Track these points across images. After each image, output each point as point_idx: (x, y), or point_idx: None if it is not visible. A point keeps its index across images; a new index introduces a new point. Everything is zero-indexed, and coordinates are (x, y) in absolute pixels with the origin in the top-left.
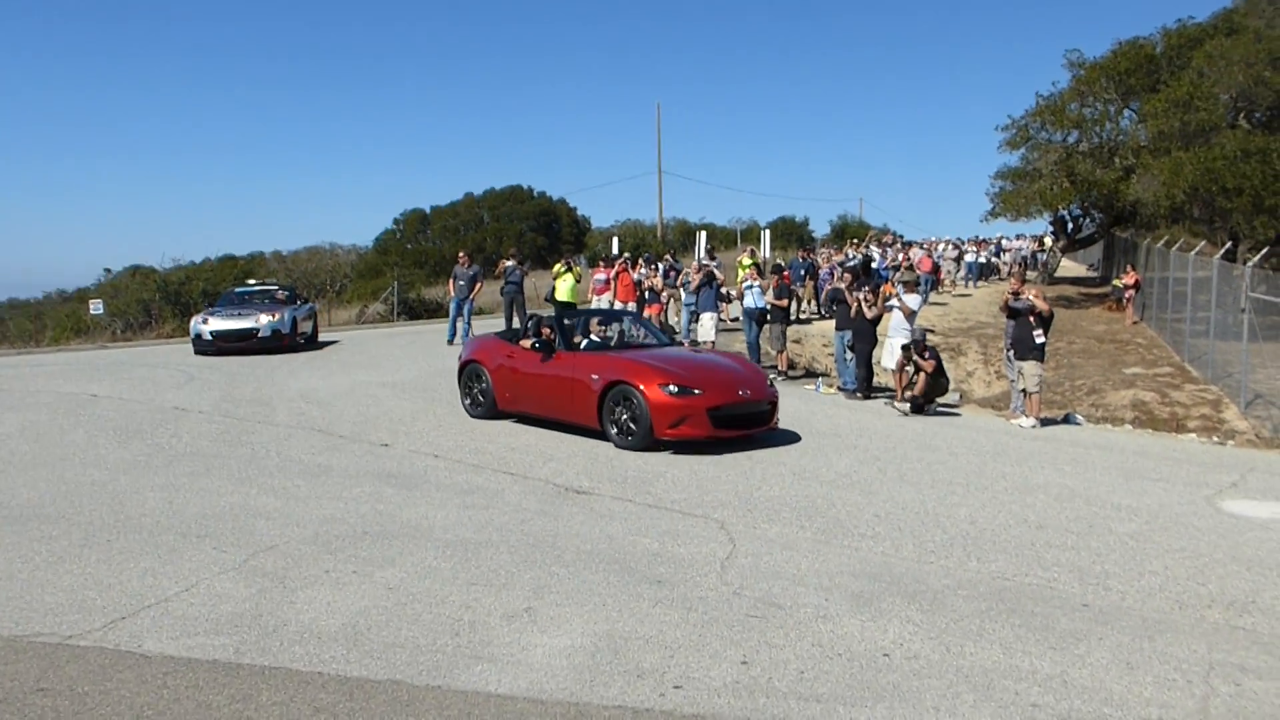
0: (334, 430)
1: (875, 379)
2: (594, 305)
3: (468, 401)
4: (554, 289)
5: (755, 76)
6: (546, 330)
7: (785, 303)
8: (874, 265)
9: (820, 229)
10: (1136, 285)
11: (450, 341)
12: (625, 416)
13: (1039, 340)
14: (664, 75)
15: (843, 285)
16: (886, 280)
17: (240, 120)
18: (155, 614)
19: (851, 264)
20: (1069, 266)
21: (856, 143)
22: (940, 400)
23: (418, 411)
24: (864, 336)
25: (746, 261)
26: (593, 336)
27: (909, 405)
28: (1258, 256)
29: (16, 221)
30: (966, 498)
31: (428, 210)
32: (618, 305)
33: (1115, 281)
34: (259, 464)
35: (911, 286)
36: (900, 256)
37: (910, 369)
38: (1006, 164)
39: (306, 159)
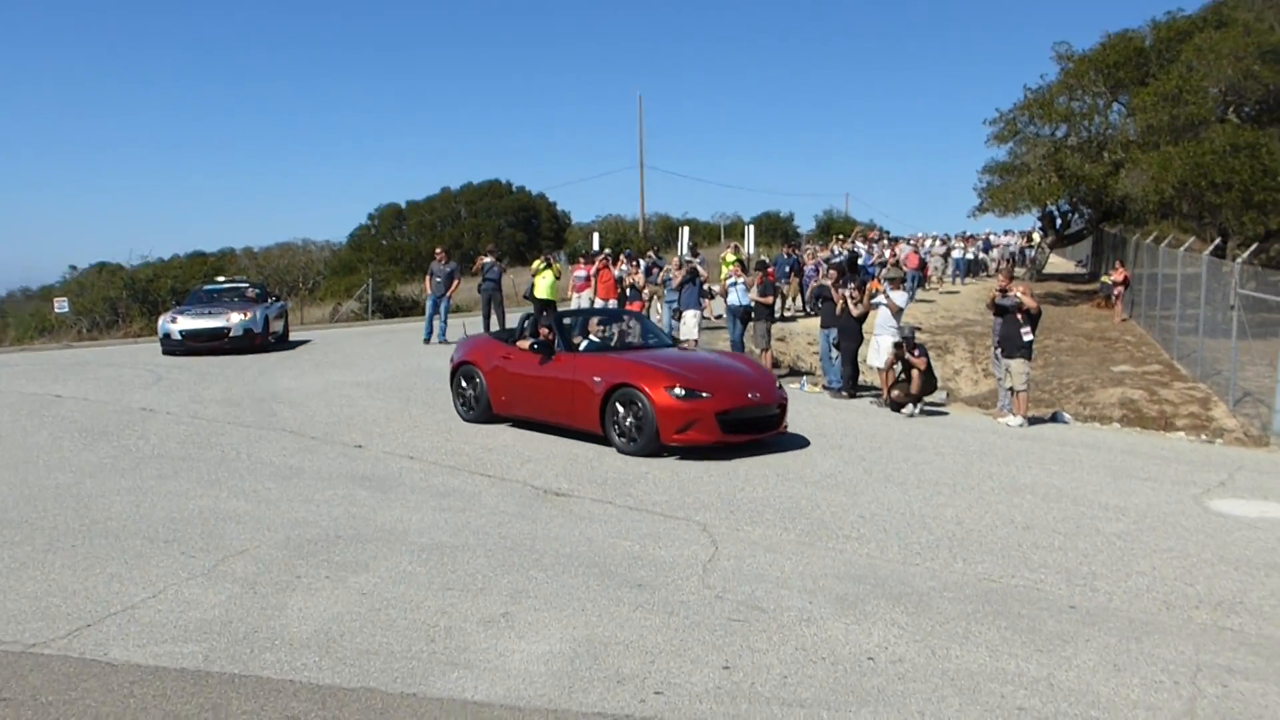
0: (306, 431)
1: (861, 377)
2: (574, 302)
3: (460, 405)
4: (533, 286)
5: (740, 69)
6: (545, 330)
7: (770, 300)
8: (860, 262)
9: (806, 224)
10: (1125, 282)
11: (426, 340)
12: (629, 421)
13: (1026, 338)
14: (646, 67)
15: (828, 282)
16: (873, 277)
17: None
18: (121, 621)
19: (837, 260)
20: (1057, 263)
21: (843, 137)
22: (927, 399)
23: (392, 412)
24: (849, 334)
25: (730, 258)
26: (592, 337)
27: (892, 405)
28: (1247, 253)
29: None
30: (953, 498)
31: (403, 205)
32: (598, 303)
33: (1104, 278)
34: (229, 466)
35: (897, 283)
36: (887, 253)
37: (898, 367)
38: (994, 158)
39: (279, 152)
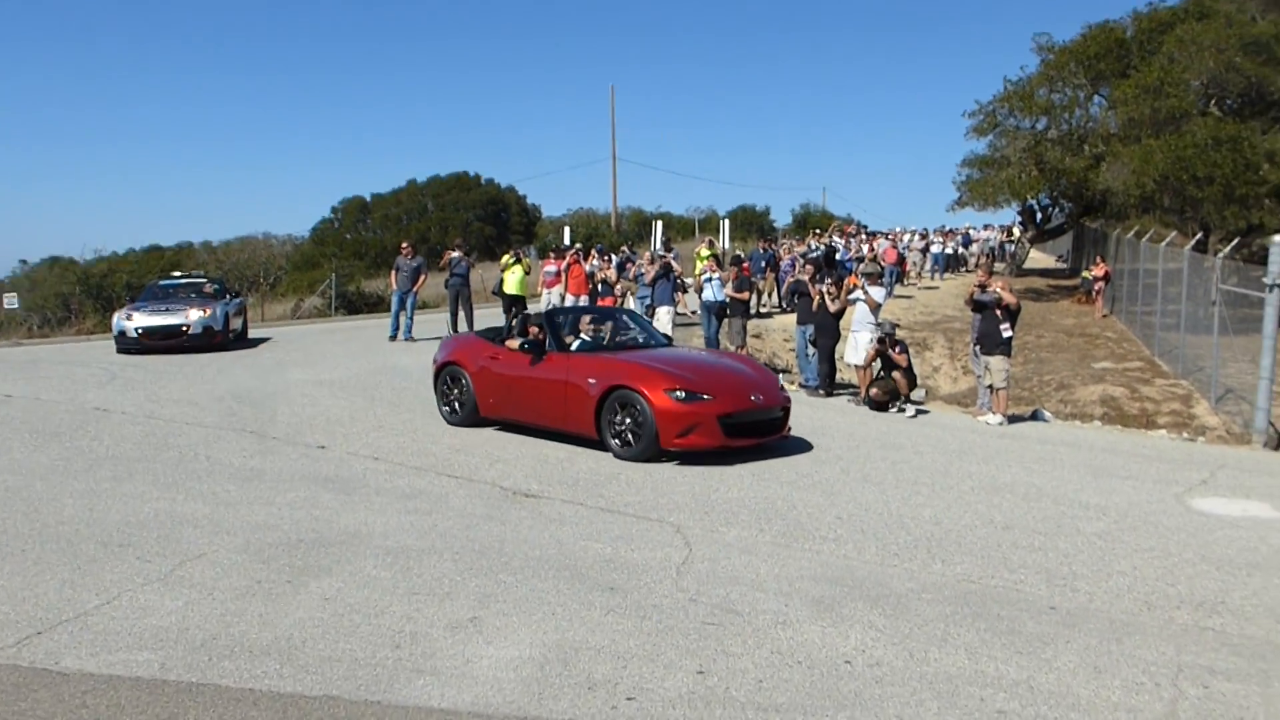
0: (267, 432)
1: (838, 375)
2: (543, 299)
3: (445, 408)
4: (502, 281)
5: (715, 59)
6: (535, 329)
7: (745, 296)
8: (837, 257)
9: (782, 219)
10: (1106, 277)
11: (392, 337)
12: (627, 425)
13: (1006, 334)
14: (618, 57)
15: (805, 277)
16: (850, 272)
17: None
18: (73, 629)
19: (814, 255)
20: (1037, 258)
21: (820, 129)
22: (905, 397)
23: (357, 412)
24: (827, 331)
25: (705, 252)
26: (584, 336)
27: (871, 404)
28: (1228, 247)
29: None
30: (931, 498)
31: (368, 198)
32: (569, 299)
33: (1085, 273)
34: (186, 468)
35: (875, 279)
36: (865, 248)
37: (877, 364)
38: (974, 152)
39: (239, 143)
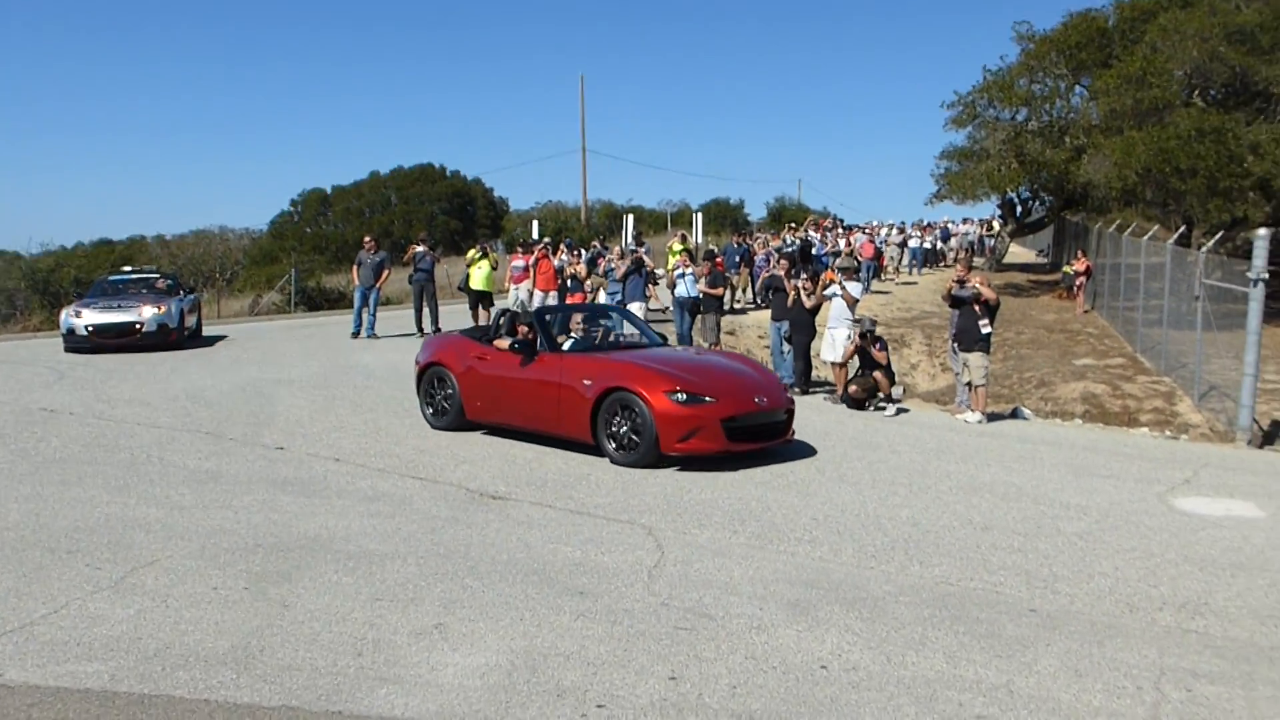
0: (223, 433)
1: (814, 373)
2: (511, 295)
3: (429, 411)
4: (468, 277)
5: (686, 49)
6: (524, 328)
7: (719, 291)
8: (813, 251)
9: (756, 212)
10: (1088, 272)
11: (355, 335)
12: (625, 429)
13: (985, 330)
14: (587, 46)
15: (780, 273)
16: (827, 267)
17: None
18: (19, 639)
19: (789, 250)
20: (1018, 252)
21: (795, 120)
22: (881, 395)
23: (317, 411)
24: (802, 327)
25: (677, 247)
26: (573, 335)
27: (849, 401)
28: (1212, 241)
29: None
30: (909, 498)
31: (329, 190)
32: (537, 295)
33: (1066, 268)
34: (138, 471)
35: (851, 274)
36: (841, 242)
37: (856, 361)
38: (953, 143)
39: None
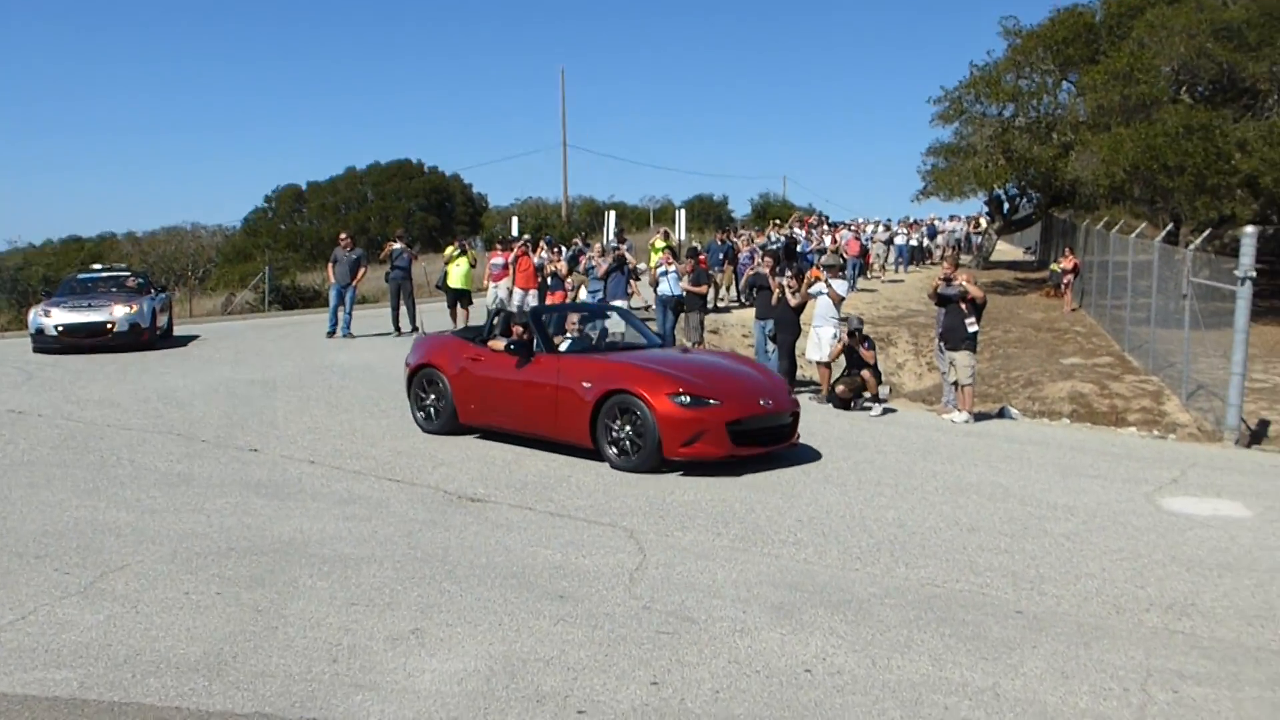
0: (195, 434)
1: (799, 372)
2: (490, 293)
3: (420, 415)
4: (446, 274)
5: (669, 43)
6: (519, 329)
7: (703, 289)
8: (798, 248)
9: (740, 209)
10: (1075, 270)
11: (330, 334)
12: (626, 432)
13: (972, 329)
14: (569, 39)
15: (764, 270)
16: (812, 265)
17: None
18: None
19: (774, 247)
20: (1005, 250)
21: (780, 116)
22: (867, 394)
23: (291, 412)
24: (787, 326)
25: (660, 244)
26: (569, 335)
27: (836, 401)
28: (1200, 239)
29: None
30: (895, 499)
31: (304, 187)
32: (516, 293)
33: (1053, 266)
34: (109, 473)
35: (837, 271)
36: (826, 239)
37: (842, 360)
38: (939, 140)
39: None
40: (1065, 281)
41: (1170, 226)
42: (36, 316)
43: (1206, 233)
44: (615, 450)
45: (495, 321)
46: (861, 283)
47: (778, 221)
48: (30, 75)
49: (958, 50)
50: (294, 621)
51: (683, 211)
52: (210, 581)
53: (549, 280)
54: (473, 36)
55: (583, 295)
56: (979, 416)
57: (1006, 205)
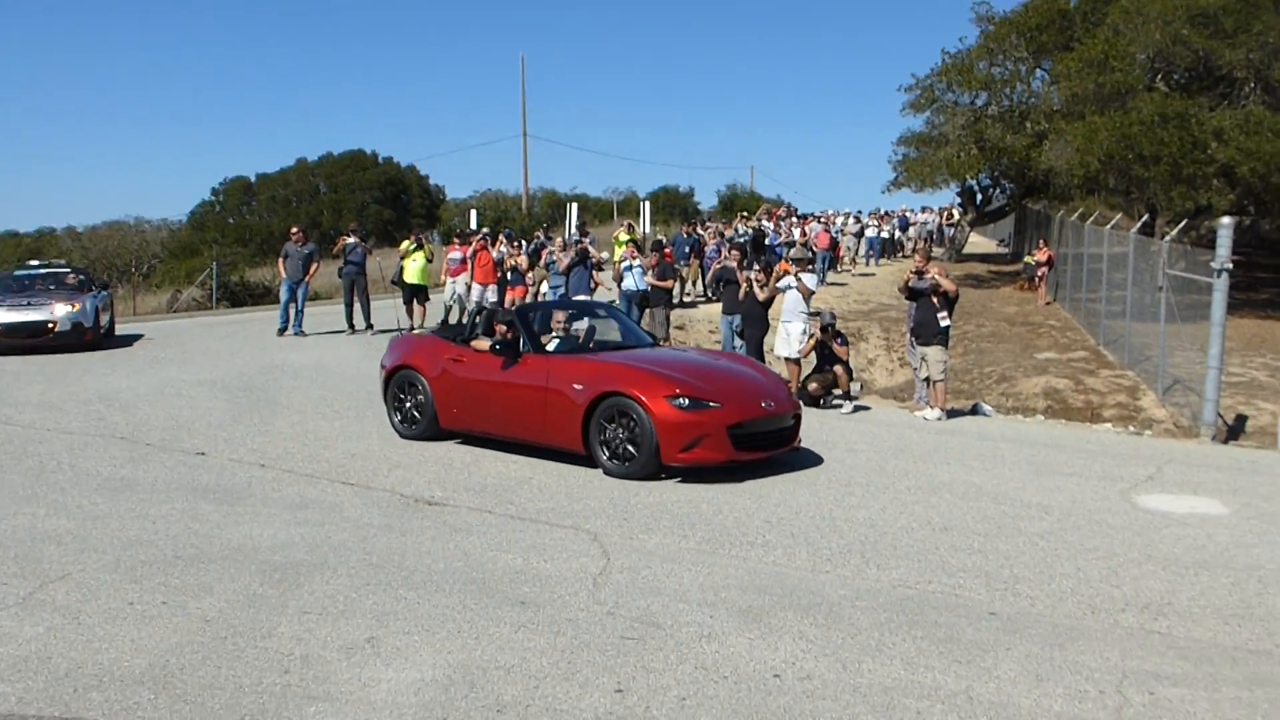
0: (140, 437)
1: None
2: (448, 288)
3: (398, 419)
4: (402, 270)
5: (633, 29)
6: (503, 327)
7: (668, 283)
8: (766, 241)
9: (707, 200)
10: (1049, 262)
11: (281, 331)
12: (621, 437)
13: (944, 323)
14: (529, 26)
15: (731, 264)
16: (780, 258)
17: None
18: None
19: (741, 240)
20: (978, 242)
21: (747, 105)
22: (837, 391)
23: (241, 414)
24: (755, 321)
25: (624, 237)
26: (555, 334)
27: (807, 398)
28: (1176, 230)
29: None
30: (866, 499)
31: (253, 179)
32: (475, 288)
33: (1027, 258)
34: (48, 479)
35: (806, 265)
36: (795, 232)
37: (813, 357)
38: (910, 129)
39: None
40: (1039, 274)
41: (1146, 218)
42: None
43: (1182, 224)
44: (610, 456)
45: (477, 320)
46: (831, 276)
47: (745, 213)
48: None
49: (929, 37)
50: (243, 631)
51: (647, 203)
52: (155, 590)
53: (509, 275)
54: (428, 21)
55: (543, 290)
56: (951, 413)
57: (979, 196)
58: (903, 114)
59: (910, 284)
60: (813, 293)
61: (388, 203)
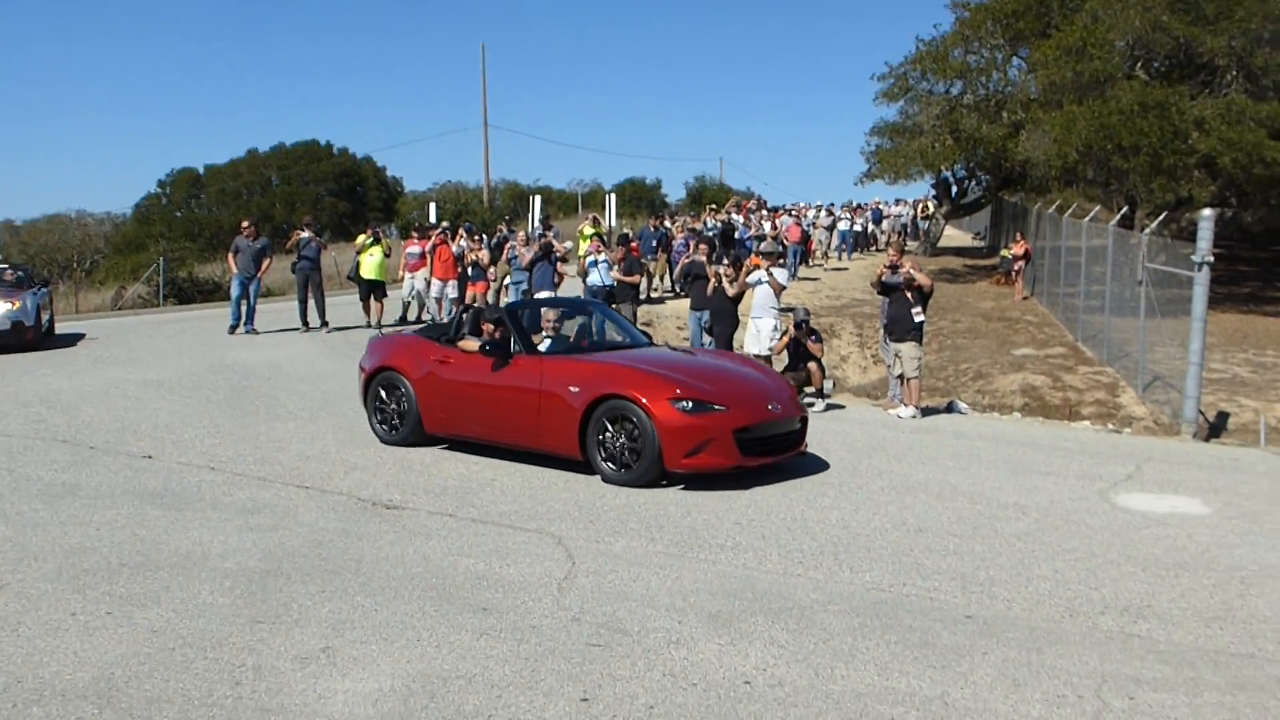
0: (83, 440)
1: None
2: (406, 284)
3: (380, 424)
4: (358, 265)
5: (597, 17)
6: (490, 326)
7: (635, 279)
8: (736, 235)
9: (675, 193)
10: (1027, 256)
11: (232, 329)
12: (621, 442)
13: (917, 319)
14: (490, 14)
15: (700, 258)
16: (750, 252)
17: None
18: None
19: (710, 233)
20: (953, 235)
21: (716, 95)
22: (810, 389)
23: (190, 415)
24: (724, 317)
25: (589, 231)
26: (547, 334)
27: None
28: (1155, 222)
29: None
30: (839, 500)
31: (201, 170)
32: (435, 284)
33: (1004, 252)
34: None
35: (777, 259)
36: (766, 225)
37: (785, 354)
38: (884, 119)
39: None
40: (1016, 268)
41: (1125, 210)
42: None
43: (1163, 216)
44: (609, 462)
45: (464, 319)
46: (803, 271)
47: (714, 206)
48: None
49: (903, 25)
50: (193, 642)
51: (613, 196)
52: (100, 600)
53: (470, 270)
54: (386, 6)
55: (505, 284)
56: (926, 411)
57: (955, 188)
58: (876, 103)
59: (884, 279)
60: (783, 288)
61: (343, 195)
